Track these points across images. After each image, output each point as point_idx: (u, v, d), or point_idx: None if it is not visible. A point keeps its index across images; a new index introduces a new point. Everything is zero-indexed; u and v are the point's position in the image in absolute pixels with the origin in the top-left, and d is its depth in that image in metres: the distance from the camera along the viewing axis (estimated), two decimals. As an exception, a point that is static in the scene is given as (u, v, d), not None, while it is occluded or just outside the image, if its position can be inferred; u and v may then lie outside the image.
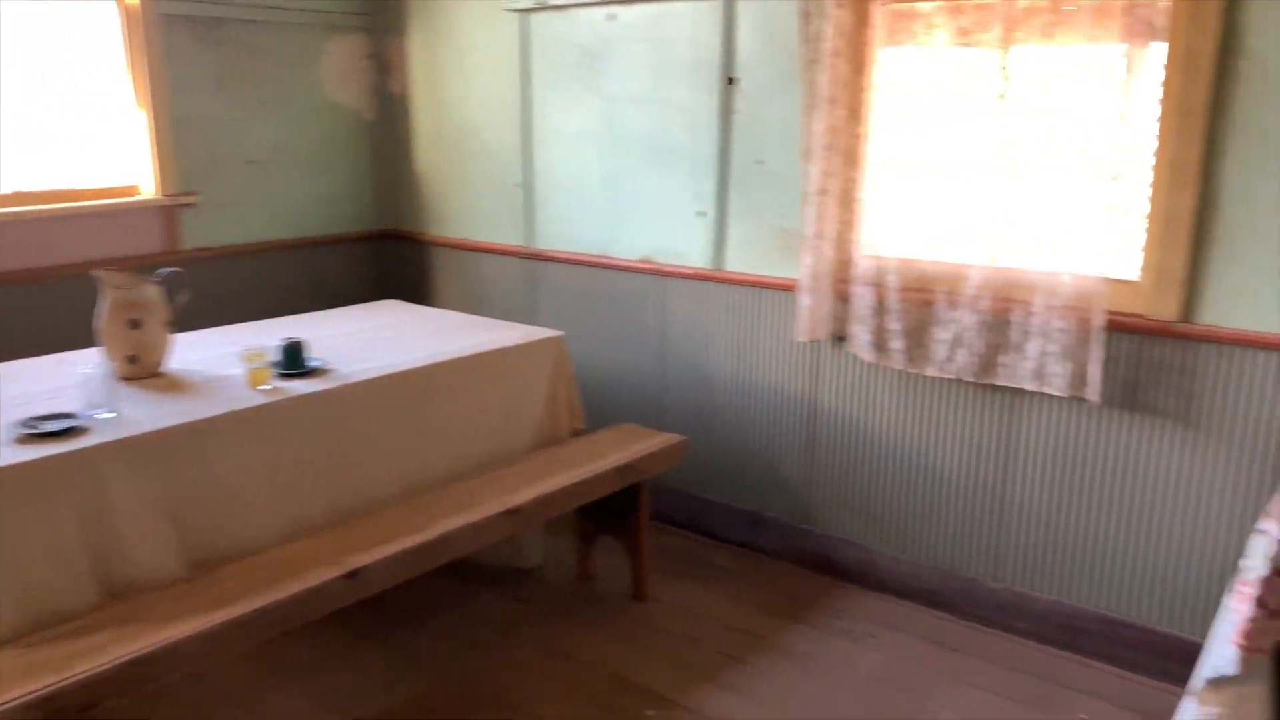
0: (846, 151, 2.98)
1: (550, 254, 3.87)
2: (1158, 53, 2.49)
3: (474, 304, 4.14)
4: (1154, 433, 2.64)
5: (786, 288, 3.24)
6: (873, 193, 2.97)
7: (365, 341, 3.09)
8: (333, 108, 4.25)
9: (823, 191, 2.98)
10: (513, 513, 2.71)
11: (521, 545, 3.39)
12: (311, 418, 2.58)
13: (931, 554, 3.13)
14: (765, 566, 3.44)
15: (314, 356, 2.79)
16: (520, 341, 3.16)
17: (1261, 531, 1.79)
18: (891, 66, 2.89)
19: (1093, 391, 2.63)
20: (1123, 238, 2.63)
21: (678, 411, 3.64)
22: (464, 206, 4.16)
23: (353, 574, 2.32)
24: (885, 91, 2.91)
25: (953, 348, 2.87)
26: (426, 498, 2.76)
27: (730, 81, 3.27)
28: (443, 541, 2.55)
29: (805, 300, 3.07)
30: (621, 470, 3.02)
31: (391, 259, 4.47)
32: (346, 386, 2.66)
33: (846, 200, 3.02)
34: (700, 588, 3.30)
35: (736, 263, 3.38)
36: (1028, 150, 2.69)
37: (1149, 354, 2.61)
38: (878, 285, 2.98)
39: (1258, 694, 1.82)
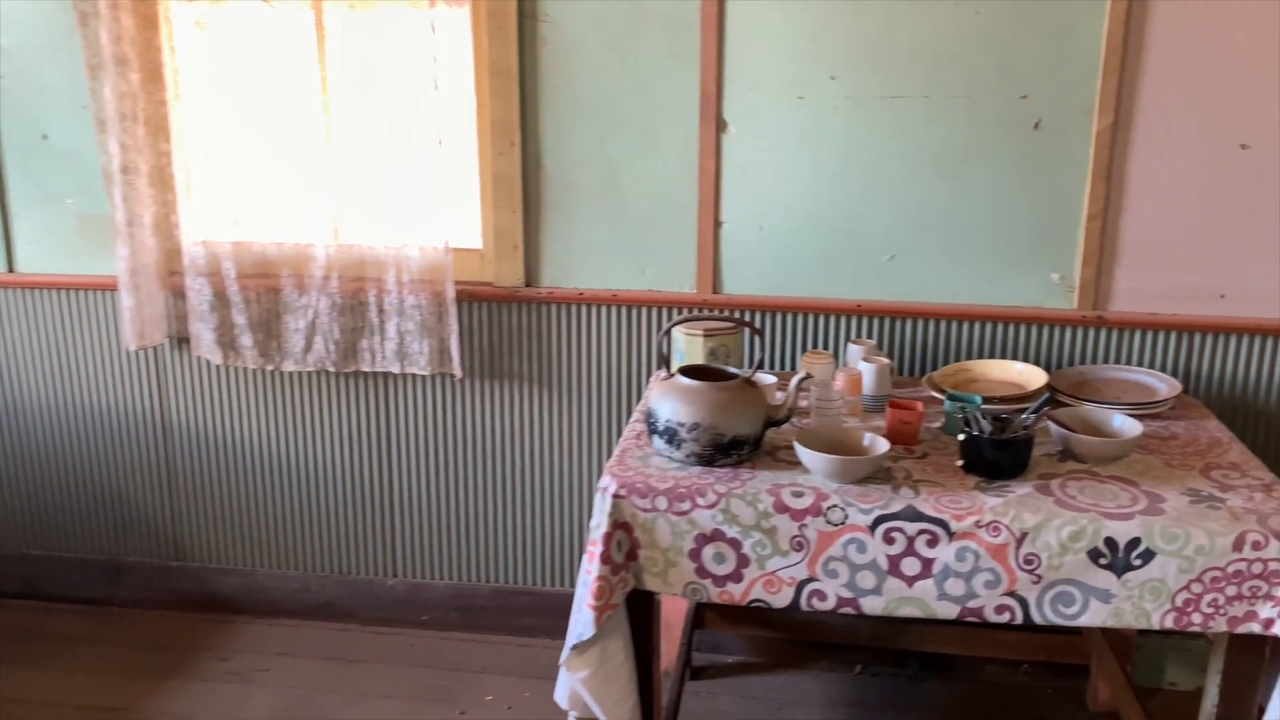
0: (151, 122, 2.52)
1: None
2: (466, 16, 2.43)
3: None
4: (518, 399, 2.65)
5: (108, 287, 2.69)
6: (193, 169, 2.56)
7: None
8: None
9: (128, 169, 2.49)
10: None
11: None
12: None
13: (322, 563, 2.85)
14: (130, 621, 2.88)
15: None
16: None
17: (603, 489, 1.79)
18: (199, 25, 2.49)
19: (455, 366, 2.55)
20: (460, 205, 2.56)
21: (-15, 456, 2.88)
22: None
23: None
24: (193, 53, 2.50)
25: (309, 337, 2.59)
26: None
27: (-11, 36, 2.59)
28: None
29: (128, 300, 2.56)
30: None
31: None
32: None
33: (162, 178, 2.56)
34: (43, 668, 2.64)
35: (33, 262, 2.73)
36: (356, 118, 2.49)
37: (503, 321, 2.60)
38: (214, 275, 2.58)
39: (619, 646, 1.84)
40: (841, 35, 2.29)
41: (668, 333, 2.02)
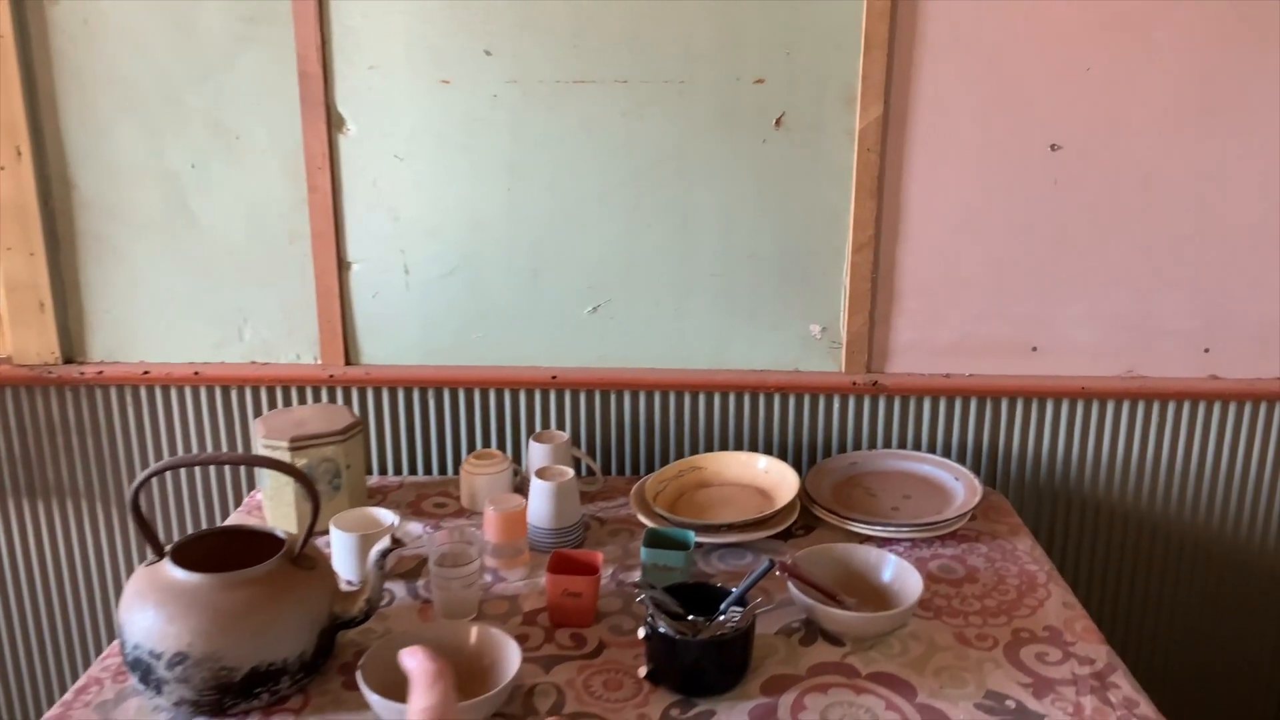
0: None
1: None
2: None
3: None
4: (64, 528, 1.81)
5: None
6: None
7: None
8: None
9: None
10: None
11: None
12: None
13: None
14: None
15: None
16: None
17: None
18: None
19: (-44, 487, 1.69)
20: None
21: None
22: None
23: None
24: None
25: None
26: None
27: None
28: None
29: None
30: None
31: None
32: None
33: None
34: None
35: None
36: None
37: (32, 415, 1.75)
38: None
39: None
40: (497, -12, 1.56)
41: (154, 476, 1.26)
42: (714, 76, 1.58)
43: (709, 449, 1.75)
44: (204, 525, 1.80)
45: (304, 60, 1.59)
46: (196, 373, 1.71)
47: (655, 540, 1.35)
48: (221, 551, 1.17)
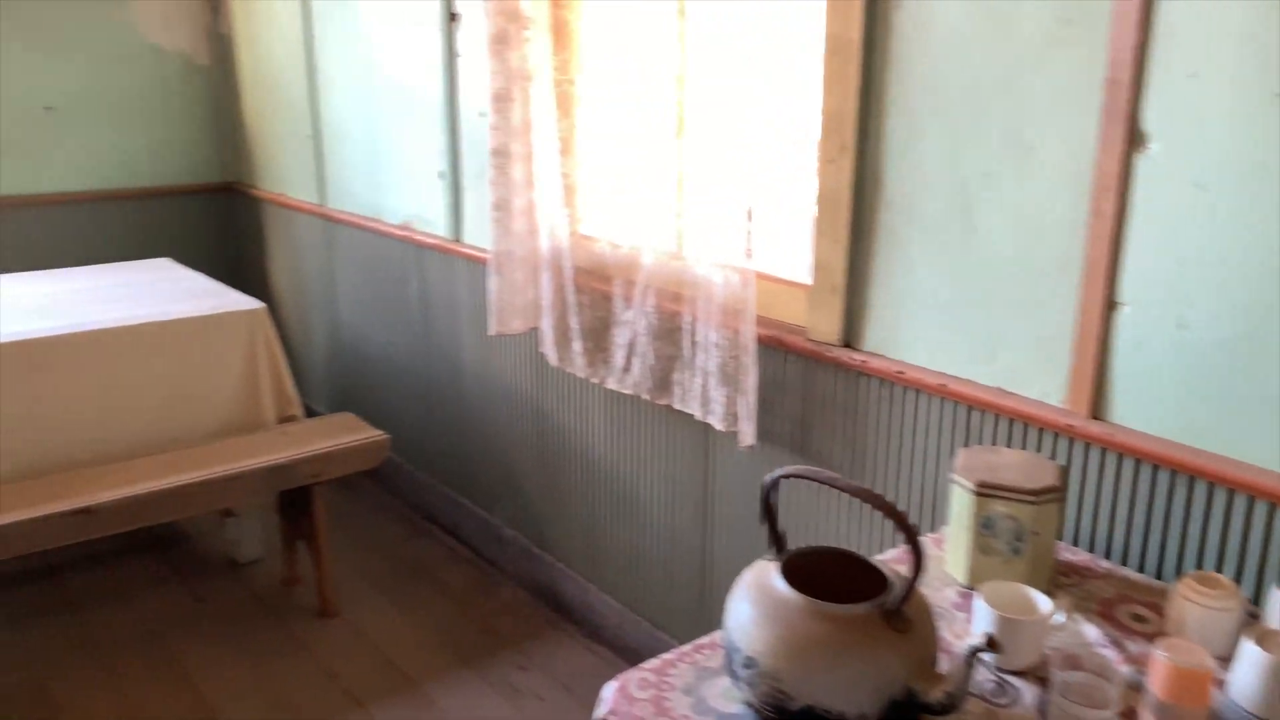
0: (528, 105, 2.39)
1: (338, 215, 3.44)
2: (816, -30, 1.78)
3: (291, 270, 3.80)
4: (815, 493, 1.98)
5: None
6: (552, 156, 2.37)
7: (85, 299, 2.91)
8: (152, 51, 3.91)
9: (499, 153, 2.41)
10: (93, 511, 2.36)
11: (238, 536, 3.06)
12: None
13: (637, 605, 2.55)
14: (493, 593, 2.94)
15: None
16: (203, 313, 2.79)
17: None
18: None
19: (744, 429, 1.99)
20: (792, 225, 1.96)
21: (437, 399, 3.18)
22: (275, 158, 3.79)
23: None
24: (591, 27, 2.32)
25: (629, 356, 2.27)
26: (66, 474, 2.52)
27: (453, 18, 2.72)
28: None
29: (494, 284, 2.52)
30: (274, 471, 2.61)
31: (231, 213, 4.17)
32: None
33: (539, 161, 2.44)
34: (403, 609, 2.84)
35: (474, 233, 2.86)
36: (705, 108, 2.00)
37: (814, 385, 1.94)
38: (556, 269, 2.40)
39: None
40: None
41: (784, 479, 1.30)
42: None
43: None
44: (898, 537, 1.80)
45: (1114, 66, 1.39)
46: (943, 385, 1.70)
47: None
48: (833, 573, 1.16)
